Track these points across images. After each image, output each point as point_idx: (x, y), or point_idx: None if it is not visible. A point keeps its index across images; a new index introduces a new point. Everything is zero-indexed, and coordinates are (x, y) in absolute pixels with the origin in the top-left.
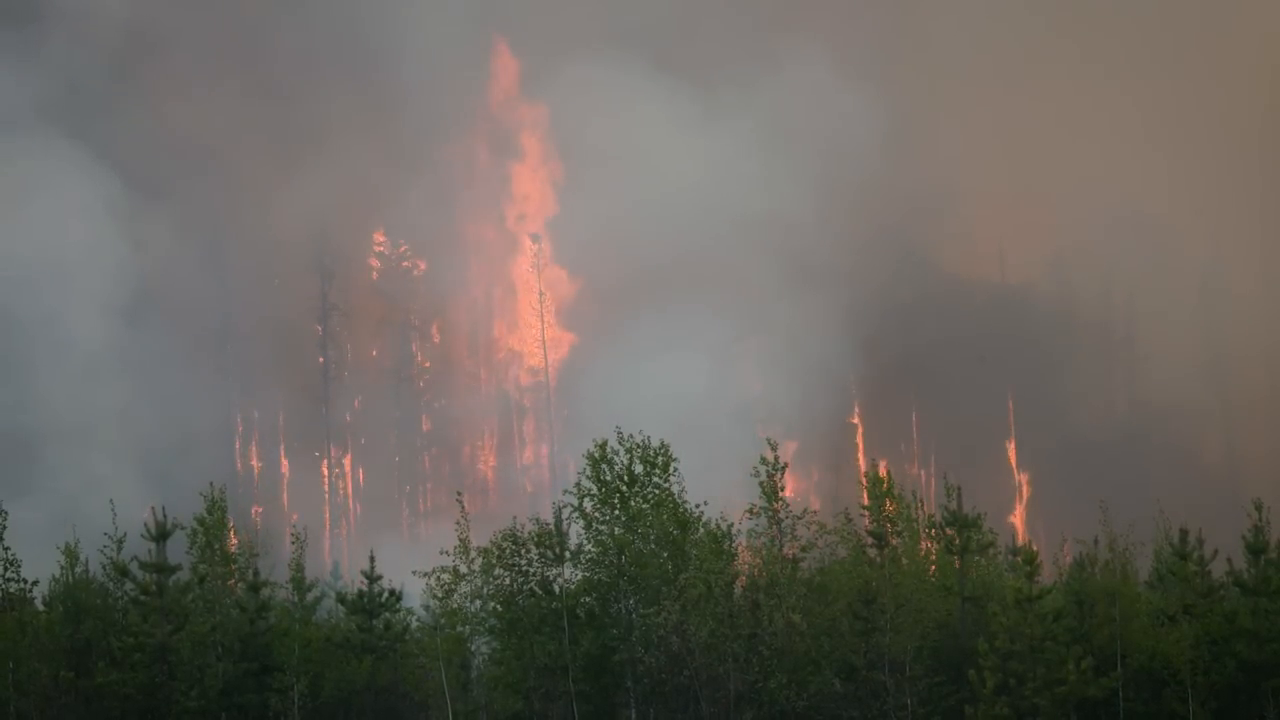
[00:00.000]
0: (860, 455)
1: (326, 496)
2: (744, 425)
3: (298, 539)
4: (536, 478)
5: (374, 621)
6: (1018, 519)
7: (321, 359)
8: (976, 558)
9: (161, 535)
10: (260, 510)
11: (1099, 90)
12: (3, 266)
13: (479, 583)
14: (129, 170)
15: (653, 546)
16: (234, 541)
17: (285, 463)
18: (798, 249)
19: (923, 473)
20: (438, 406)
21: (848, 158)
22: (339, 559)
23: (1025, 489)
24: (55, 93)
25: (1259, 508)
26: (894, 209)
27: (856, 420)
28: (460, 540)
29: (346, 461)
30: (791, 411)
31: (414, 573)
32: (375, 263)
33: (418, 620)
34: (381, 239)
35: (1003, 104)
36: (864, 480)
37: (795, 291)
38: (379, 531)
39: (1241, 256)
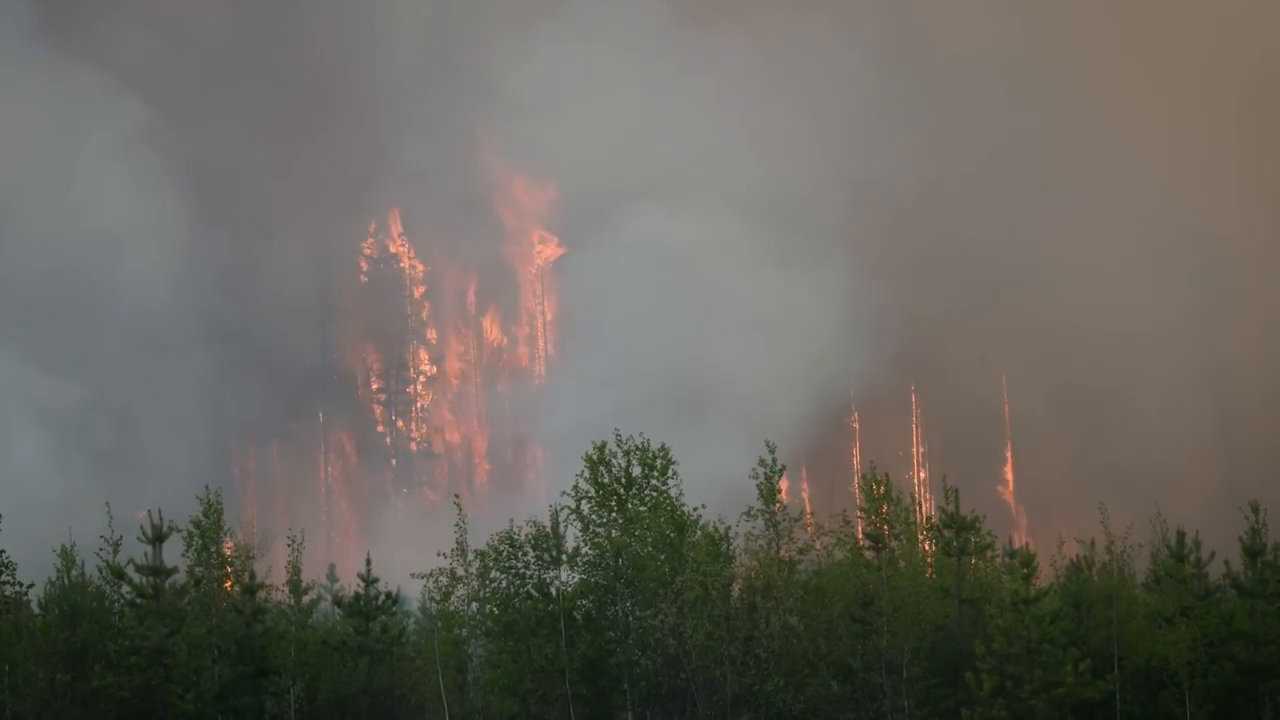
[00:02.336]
0: (856, 458)
1: (323, 498)
2: (741, 425)
3: (294, 541)
4: (532, 478)
5: (370, 624)
6: (1015, 520)
7: (310, 361)
8: (974, 560)
9: (158, 538)
10: (256, 513)
11: (1100, 86)
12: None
13: (476, 585)
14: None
15: (650, 549)
16: (230, 544)
17: (281, 465)
18: (797, 239)
19: (923, 472)
20: (432, 407)
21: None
22: (335, 561)
23: (1022, 492)
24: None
25: (1256, 510)
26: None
27: (855, 424)
28: (457, 543)
29: (343, 463)
30: (790, 413)
31: (411, 575)
32: (364, 265)
33: (414, 623)
34: (372, 243)
35: (1003, 100)
36: (858, 483)
37: (793, 288)
38: (376, 534)
39: (1239, 257)
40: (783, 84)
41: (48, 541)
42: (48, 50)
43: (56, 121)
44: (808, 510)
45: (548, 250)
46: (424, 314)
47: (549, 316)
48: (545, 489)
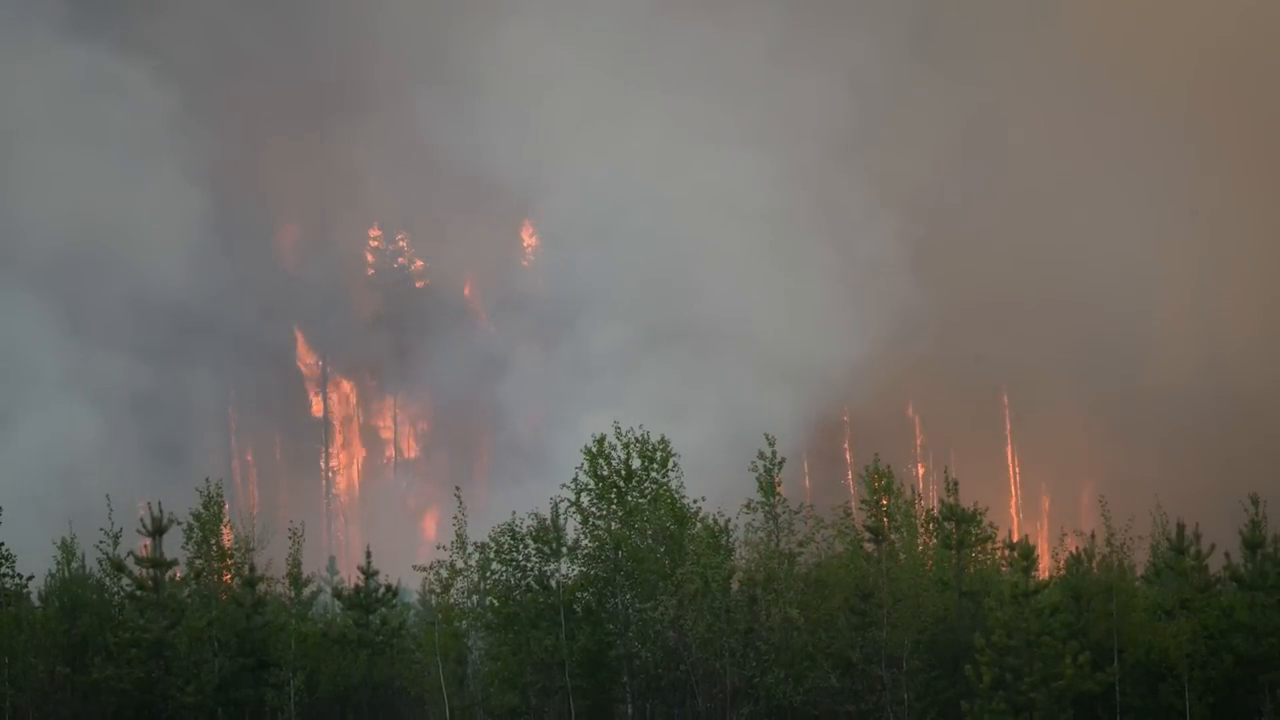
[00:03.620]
0: (847, 452)
1: (323, 491)
2: (740, 420)
3: (294, 534)
4: (531, 467)
5: (370, 617)
6: (1015, 513)
7: (315, 357)
8: (974, 553)
9: (158, 530)
10: (257, 505)
11: (1101, 81)
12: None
13: (476, 578)
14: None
15: (650, 542)
16: (230, 536)
17: (281, 457)
18: (795, 236)
19: (921, 466)
20: (434, 401)
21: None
22: (335, 554)
23: (1022, 484)
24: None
25: (1256, 503)
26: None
27: (845, 417)
28: (457, 535)
29: (343, 455)
30: (788, 407)
31: (413, 568)
32: (371, 257)
33: (414, 615)
34: (376, 233)
35: (1002, 102)
36: (852, 476)
37: (790, 283)
38: (376, 526)
39: (1238, 250)
40: (781, 79)
41: (48, 533)
42: (79, 41)
43: (79, 107)
44: (808, 503)
45: (542, 240)
46: (424, 309)
47: (545, 305)
48: (545, 478)
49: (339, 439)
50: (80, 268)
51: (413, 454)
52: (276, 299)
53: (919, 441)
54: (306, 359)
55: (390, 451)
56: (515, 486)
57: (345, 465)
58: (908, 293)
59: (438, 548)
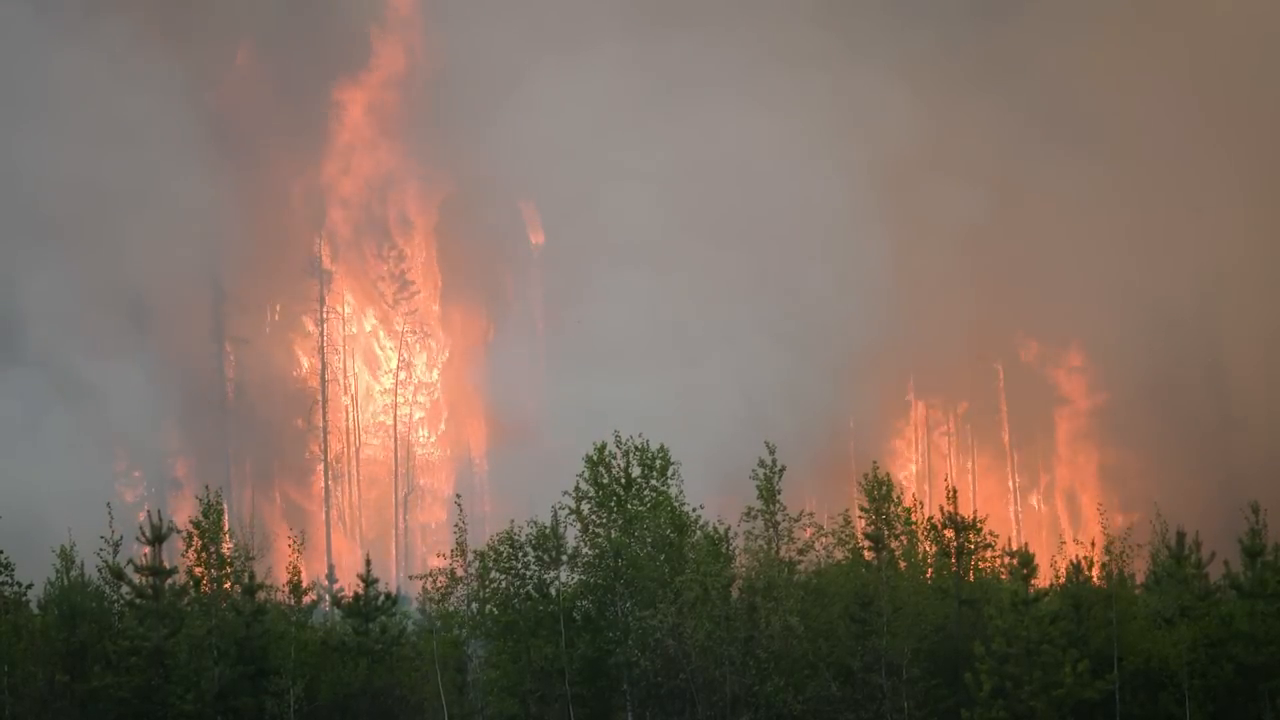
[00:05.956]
0: (851, 458)
1: (324, 499)
2: (740, 427)
3: (294, 542)
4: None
5: (370, 625)
6: (1015, 521)
7: (315, 359)
8: (974, 560)
9: (157, 538)
10: (255, 513)
11: (1102, 88)
12: None
13: (475, 586)
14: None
15: (649, 549)
16: (229, 544)
17: (280, 463)
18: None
19: (917, 465)
20: (434, 406)
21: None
22: (335, 562)
23: (1023, 491)
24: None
25: (1256, 510)
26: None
27: (850, 424)
28: (457, 543)
29: (344, 463)
30: (788, 413)
31: (411, 576)
32: (365, 258)
33: (414, 623)
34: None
35: (1005, 106)
36: (853, 483)
37: (788, 282)
38: (375, 534)
39: (1239, 255)
40: (779, 80)
41: (48, 541)
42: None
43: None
44: (807, 510)
45: (538, 236)
46: (428, 314)
47: (541, 300)
48: (547, 472)
49: (338, 440)
50: (73, 259)
51: (412, 458)
52: (275, 300)
53: (918, 451)
54: (303, 361)
55: (392, 457)
56: (515, 479)
57: (347, 471)
58: (905, 298)
59: (437, 555)
